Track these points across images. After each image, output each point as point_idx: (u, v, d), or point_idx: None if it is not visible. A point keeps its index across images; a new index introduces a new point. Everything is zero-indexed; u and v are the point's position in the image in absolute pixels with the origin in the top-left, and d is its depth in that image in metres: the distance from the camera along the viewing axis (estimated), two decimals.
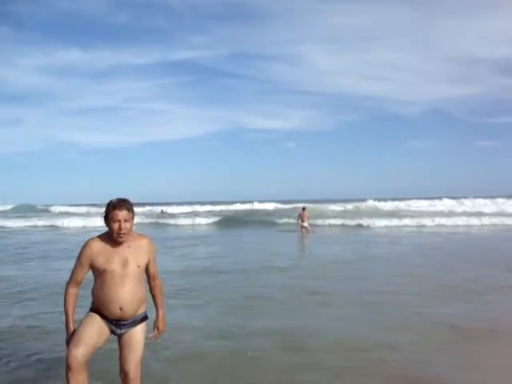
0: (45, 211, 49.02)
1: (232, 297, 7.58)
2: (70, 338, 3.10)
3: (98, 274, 3.15)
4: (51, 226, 28.17)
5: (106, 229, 3.19)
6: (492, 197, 38.47)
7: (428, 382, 4.14)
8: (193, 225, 28.32)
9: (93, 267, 3.16)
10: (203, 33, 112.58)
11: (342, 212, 33.98)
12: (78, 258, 3.18)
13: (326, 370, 4.41)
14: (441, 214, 31.30)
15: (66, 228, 27.10)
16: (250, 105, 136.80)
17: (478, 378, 4.20)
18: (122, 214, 3.08)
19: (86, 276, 3.24)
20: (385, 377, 4.23)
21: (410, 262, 11.29)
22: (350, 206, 36.45)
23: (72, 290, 3.20)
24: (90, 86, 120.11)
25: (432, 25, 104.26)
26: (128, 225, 3.11)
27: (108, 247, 3.14)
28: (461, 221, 24.99)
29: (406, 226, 24.54)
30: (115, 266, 3.10)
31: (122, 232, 3.09)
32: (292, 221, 26.98)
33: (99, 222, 27.99)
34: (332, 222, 26.63)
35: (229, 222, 28.77)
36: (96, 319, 3.17)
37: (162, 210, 42.91)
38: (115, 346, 3.33)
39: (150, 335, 3.38)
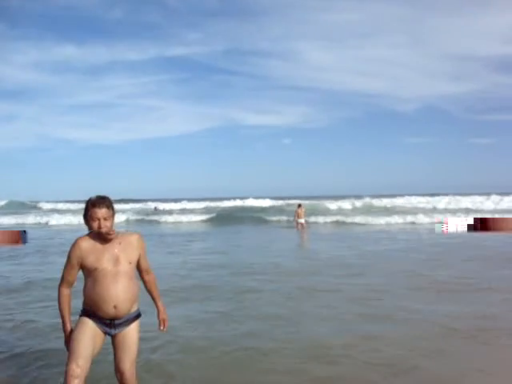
0: (38, 208, 48.76)
1: (229, 295, 7.51)
2: (68, 339, 3.09)
3: (89, 273, 3.08)
4: (46, 223, 27.99)
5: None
6: (487, 194, 38.55)
7: (418, 376, 4.15)
8: (186, 222, 28.19)
9: (83, 266, 3.10)
10: (198, 29, 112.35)
11: (338, 209, 34.07)
12: (68, 258, 3.11)
13: (324, 363, 4.46)
14: (436, 210, 31.41)
15: (62, 225, 26.90)
16: (245, 101, 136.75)
17: (469, 374, 4.18)
18: (101, 212, 3.03)
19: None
20: (377, 371, 4.21)
21: (404, 259, 11.23)
22: (345, 203, 36.49)
23: (65, 291, 3.15)
24: (85, 82, 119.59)
25: (428, 21, 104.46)
26: (108, 223, 3.06)
27: (98, 245, 3.07)
28: (457, 218, 24.99)
29: (402, 222, 24.49)
30: (106, 263, 3.04)
31: (103, 230, 3.03)
32: (284, 217, 27.05)
33: None
34: (328, 219, 26.52)
35: (223, 218, 28.65)
36: (88, 326, 3.09)
37: (155, 207, 42.77)
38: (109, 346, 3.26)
39: (161, 328, 3.40)
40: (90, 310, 3.11)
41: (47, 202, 52.39)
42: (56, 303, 3.20)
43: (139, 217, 30.20)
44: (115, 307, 3.05)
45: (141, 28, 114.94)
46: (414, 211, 29.56)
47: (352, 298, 7.14)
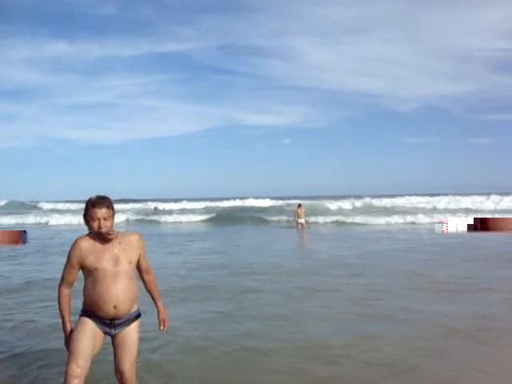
0: (38, 208, 48.75)
1: (229, 294, 7.50)
2: (68, 339, 3.09)
3: (89, 272, 3.08)
4: (46, 223, 27.98)
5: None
6: (487, 193, 38.54)
7: (418, 376, 4.14)
8: (186, 222, 28.16)
9: (83, 266, 3.09)
10: (192, 25, 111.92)
11: (338, 209, 34.05)
12: (68, 258, 3.11)
13: (324, 363, 4.49)
14: (436, 210, 31.41)
15: (62, 225, 26.89)
16: (245, 101, 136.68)
17: (469, 374, 4.17)
18: (101, 212, 3.03)
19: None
20: (377, 371, 4.21)
21: (404, 259, 11.22)
22: (345, 203, 36.47)
23: (65, 291, 3.15)
24: (85, 82, 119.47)
25: (427, 19, 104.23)
26: (108, 223, 3.06)
27: (98, 245, 3.07)
28: (457, 217, 24.94)
29: (402, 222, 24.49)
30: (106, 263, 3.04)
31: (102, 230, 3.02)
32: (284, 217, 27.04)
33: None
34: (328, 219, 26.50)
35: (223, 218, 28.63)
36: (88, 326, 3.09)
37: (155, 207, 42.76)
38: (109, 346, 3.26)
39: (161, 328, 3.39)
40: (90, 310, 3.11)
41: (47, 202, 52.42)
42: (56, 303, 3.20)
43: (139, 217, 30.17)
44: (115, 307, 3.05)
45: (134, 24, 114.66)
46: (414, 211, 29.56)
47: (352, 297, 7.13)
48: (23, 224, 27.65)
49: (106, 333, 3.14)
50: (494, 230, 5.21)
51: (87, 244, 3.08)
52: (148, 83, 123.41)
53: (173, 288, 7.69)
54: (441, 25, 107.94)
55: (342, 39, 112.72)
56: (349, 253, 12.46)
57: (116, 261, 3.06)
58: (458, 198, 38.11)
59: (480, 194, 38.95)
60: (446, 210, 31.54)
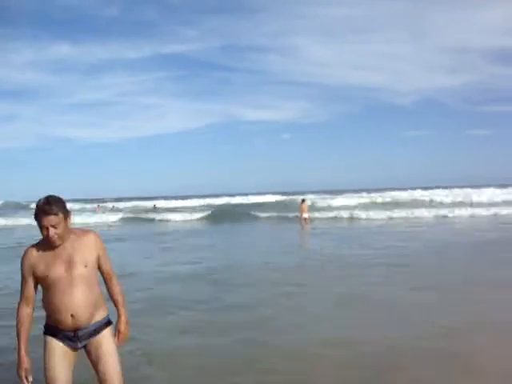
0: (33, 208, 48.48)
1: (227, 297, 7.28)
2: (21, 366, 2.75)
3: (43, 282, 2.79)
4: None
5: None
6: (487, 185, 38.22)
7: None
8: (185, 220, 27.70)
9: (36, 277, 2.79)
10: (195, 26, 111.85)
11: (338, 205, 33.67)
12: (21, 271, 2.82)
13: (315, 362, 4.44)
14: (438, 204, 31.08)
15: None
16: (244, 97, 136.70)
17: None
18: (47, 219, 2.69)
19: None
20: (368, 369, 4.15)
21: (404, 255, 10.92)
22: (344, 198, 36.18)
23: (23, 310, 2.84)
24: (84, 81, 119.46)
25: (425, 15, 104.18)
26: (59, 230, 2.72)
27: (48, 251, 2.77)
28: (457, 211, 24.62)
29: (402, 217, 24.06)
30: (58, 270, 2.74)
31: (52, 240, 2.72)
32: (286, 213, 26.74)
33: (82, 219, 27.55)
34: (329, 214, 26.17)
35: (223, 215, 28.10)
36: (55, 348, 2.82)
37: (154, 205, 42.52)
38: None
39: (115, 340, 2.97)
40: (52, 325, 2.82)
41: None
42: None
43: (136, 215, 29.77)
44: (72, 316, 2.74)
45: (136, 26, 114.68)
46: (415, 205, 29.27)
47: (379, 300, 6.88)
48: (14, 225, 26.96)
49: (73, 348, 2.84)
50: None
51: (36, 252, 2.79)
52: (146, 81, 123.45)
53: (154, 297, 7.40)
54: (442, 23, 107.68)
55: (345, 38, 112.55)
56: (349, 250, 12.11)
57: (69, 265, 2.74)
58: (457, 190, 37.75)
59: (479, 187, 38.58)
60: (446, 204, 31.10)
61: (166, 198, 57.35)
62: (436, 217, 23.47)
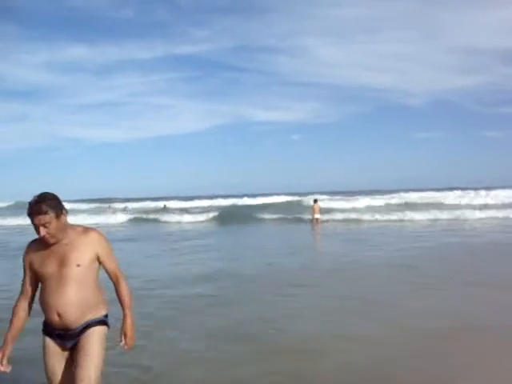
0: None
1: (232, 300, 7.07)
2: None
3: (39, 278, 2.79)
4: None
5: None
6: (503, 187, 37.66)
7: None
8: (192, 222, 27.30)
9: (34, 272, 2.79)
10: (206, 26, 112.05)
11: (350, 207, 33.32)
12: (23, 266, 2.85)
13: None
14: (450, 206, 30.60)
15: None
16: (254, 98, 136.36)
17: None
18: (37, 218, 2.66)
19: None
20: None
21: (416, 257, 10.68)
22: (355, 200, 35.82)
23: (19, 304, 2.84)
24: (94, 81, 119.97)
25: (436, 15, 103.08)
26: (50, 229, 2.66)
27: (45, 247, 2.74)
28: (468, 213, 24.13)
29: (412, 220, 23.63)
30: (51, 267, 2.71)
31: (44, 239, 2.68)
32: (296, 215, 26.55)
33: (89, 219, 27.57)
34: (340, 216, 25.85)
35: (232, 216, 27.86)
36: (50, 347, 2.80)
37: (164, 206, 42.53)
38: None
39: (121, 343, 2.86)
40: (47, 323, 2.79)
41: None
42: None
43: (144, 216, 29.58)
44: (59, 316, 2.68)
45: (150, 27, 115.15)
46: (426, 207, 28.85)
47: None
48: (27, 225, 27.05)
49: (63, 347, 2.79)
50: None
51: (35, 247, 2.79)
52: (157, 81, 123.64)
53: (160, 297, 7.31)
54: (453, 23, 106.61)
55: (355, 39, 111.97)
56: (357, 253, 11.95)
57: (62, 263, 2.70)
58: (470, 192, 37.20)
59: (495, 188, 38.02)
60: (458, 206, 30.65)
61: (176, 198, 57.36)
62: (448, 220, 23.00)
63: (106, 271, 2.87)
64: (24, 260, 2.82)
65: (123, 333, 2.85)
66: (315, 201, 22.81)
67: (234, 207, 36.64)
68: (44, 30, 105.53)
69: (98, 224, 24.67)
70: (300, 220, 24.59)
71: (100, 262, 2.81)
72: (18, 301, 2.84)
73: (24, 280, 2.83)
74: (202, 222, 26.88)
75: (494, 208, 26.66)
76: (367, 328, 5.43)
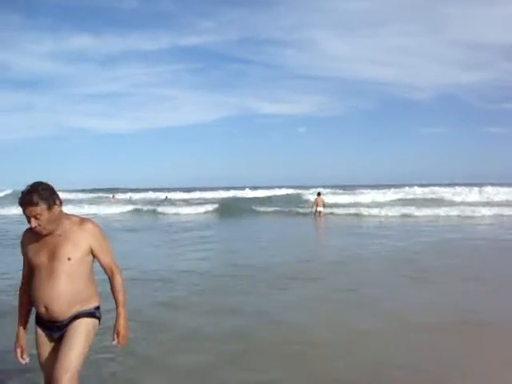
0: None
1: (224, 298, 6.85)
2: (15, 345, 2.80)
3: (31, 268, 2.73)
4: None
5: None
6: (509, 184, 37.29)
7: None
8: (192, 214, 26.96)
9: (28, 261, 2.75)
10: (212, 18, 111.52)
11: (354, 201, 33.07)
12: (22, 252, 2.83)
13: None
14: (455, 202, 30.27)
15: None
16: (260, 90, 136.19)
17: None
18: (28, 210, 2.59)
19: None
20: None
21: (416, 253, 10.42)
22: (359, 194, 35.57)
23: (22, 292, 2.82)
24: (99, 71, 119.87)
25: (442, 9, 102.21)
26: (41, 220, 2.59)
27: (39, 237, 2.68)
28: (472, 210, 23.59)
29: (416, 215, 23.18)
30: (42, 258, 2.66)
31: (35, 230, 2.62)
32: (299, 209, 26.32)
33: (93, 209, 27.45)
34: (342, 210, 25.55)
35: (233, 209, 27.63)
36: (38, 334, 2.78)
37: (166, 197, 42.44)
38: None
39: (114, 343, 2.79)
40: (37, 313, 2.76)
41: (61, 191, 52.03)
42: None
43: (145, 206, 29.31)
44: (46, 308, 2.64)
45: (155, 17, 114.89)
46: (430, 203, 28.53)
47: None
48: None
49: (50, 337, 2.75)
50: None
51: (29, 235, 2.73)
52: (162, 72, 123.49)
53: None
54: (458, 17, 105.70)
55: (362, 32, 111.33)
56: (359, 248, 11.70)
57: (52, 256, 2.64)
58: (475, 188, 36.81)
59: (501, 185, 37.62)
60: (461, 203, 30.30)
61: (179, 189, 57.29)
62: (447, 216, 22.53)
63: (101, 265, 2.78)
64: (21, 247, 2.79)
65: (115, 331, 2.77)
66: (319, 194, 23.11)
67: (236, 199, 36.40)
68: (48, 20, 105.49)
69: (96, 215, 24.55)
70: (301, 213, 24.34)
71: (94, 256, 2.73)
72: (20, 289, 2.82)
73: (23, 267, 2.79)
74: (202, 213, 26.64)
75: (498, 205, 26.25)
76: (365, 321, 5.38)
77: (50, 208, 2.59)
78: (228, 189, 51.31)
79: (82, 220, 2.75)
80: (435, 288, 7.01)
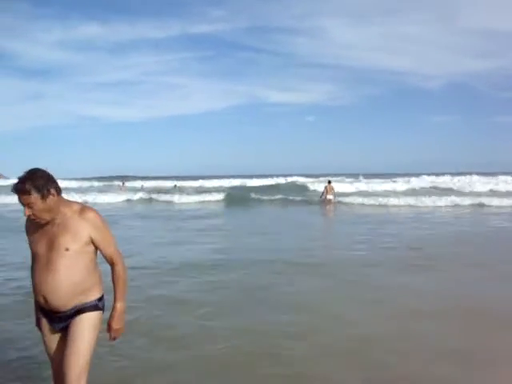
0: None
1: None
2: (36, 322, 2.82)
3: (32, 256, 2.69)
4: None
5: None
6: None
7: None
8: (201, 201, 26.87)
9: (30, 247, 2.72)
10: (222, 6, 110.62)
11: (362, 190, 32.89)
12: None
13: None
14: (467, 193, 29.96)
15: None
16: (269, 79, 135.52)
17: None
18: (22, 198, 2.52)
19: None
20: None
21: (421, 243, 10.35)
22: (368, 183, 35.32)
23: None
24: (108, 59, 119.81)
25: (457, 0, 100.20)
26: (34, 210, 2.52)
27: (38, 225, 2.61)
28: (486, 200, 23.26)
29: (420, 205, 22.83)
30: (41, 248, 2.60)
31: (30, 218, 2.58)
32: (304, 197, 26.24)
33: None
34: (349, 199, 25.41)
35: (241, 197, 27.48)
36: (42, 324, 2.73)
37: (175, 185, 42.48)
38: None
39: (108, 336, 2.77)
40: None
41: (63, 179, 51.84)
42: None
43: (153, 195, 29.25)
44: (44, 299, 2.58)
45: (164, 5, 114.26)
46: (440, 193, 28.25)
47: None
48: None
49: (53, 328, 2.71)
50: None
51: (30, 223, 2.66)
52: (172, 61, 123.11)
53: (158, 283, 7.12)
54: (470, 5, 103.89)
55: (373, 20, 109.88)
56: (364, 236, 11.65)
57: (51, 245, 2.56)
58: (491, 178, 36.37)
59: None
60: (471, 193, 29.98)
61: (188, 177, 57.38)
62: (455, 206, 22.25)
63: (102, 255, 2.70)
64: (26, 233, 2.73)
65: (108, 324, 2.73)
66: (329, 182, 23.49)
67: (244, 188, 36.19)
68: (56, 8, 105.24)
69: (103, 202, 24.65)
70: (309, 202, 24.23)
71: (95, 246, 2.64)
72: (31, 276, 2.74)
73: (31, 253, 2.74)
74: (210, 201, 26.58)
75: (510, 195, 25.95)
76: (362, 309, 5.47)
77: (43, 197, 2.50)
78: (237, 177, 51.24)
79: (83, 208, 2.64)
80: (439, 275, 6.97)
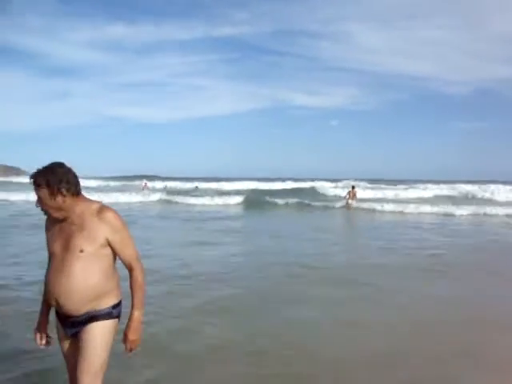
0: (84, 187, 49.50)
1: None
2: (35, 331, 2.66)
3: (48, 255, 2.57)
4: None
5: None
6: None
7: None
8: (223, 204, 26.40)
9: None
10: (246, 9, 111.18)
11: (384, 196, 32.33)
12: None
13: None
14: (495, 202, 29.09)
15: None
16: (294, 82, 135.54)
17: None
18: (36, 190, 2.42)
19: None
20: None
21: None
22: (392, 190, 34.71)
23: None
24: (134, 59, 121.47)
25: (481, 2, 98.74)
26: (44, 204, 2.42)
27: (56, 223, 2.50)
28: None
29: (448, 213, 22.16)
30: (56, 247, 2.48)
31: (43, 211, 2.47)
32: (326, 202, 25.86)
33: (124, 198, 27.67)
34: (372, 205, 24.88)
35: (261, 201, 27.14)
36: (57, 327, 2.62)
37: (196, 187, 42.61)
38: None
39: (125, 348, 2.60)
40: None
41: (88, 178, 52.31)
42: None
43: (173, 197, 29.11)
44: (56, 301, 2.46)
45: (189, 7, 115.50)
46: (471, 201, 27.47)
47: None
48: None
49: (65, 333, 2.59)
50: None
51: (50, 221, 2.55)
52: (198, 62, 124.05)
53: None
54: (497, 10, 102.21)
55: (397, 25, 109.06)
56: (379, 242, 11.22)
57: (65, 247, 2.44)
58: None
59: None
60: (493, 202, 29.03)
61: (210, 179, 57.53)
62: (486, 215, 21.30)
63: (120, 259, 2.54)
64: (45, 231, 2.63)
65: (124, 335, 2.57)
66: (353, 187, 24.61)
67: (264, 192, 35.70)
68: (84, 7, 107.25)
69: (129, 202, 24.68)
70: (329, 207, 23.88)
71: (112, 249, 2.49)
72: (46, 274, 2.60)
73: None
74: (231, 204, 26.34)
75: None
76: (378, 315, 5.41)
77: (52, 194, 2.38)
78: (260, 180, 51.07)
79: (102, 208, 2.49)
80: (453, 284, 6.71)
